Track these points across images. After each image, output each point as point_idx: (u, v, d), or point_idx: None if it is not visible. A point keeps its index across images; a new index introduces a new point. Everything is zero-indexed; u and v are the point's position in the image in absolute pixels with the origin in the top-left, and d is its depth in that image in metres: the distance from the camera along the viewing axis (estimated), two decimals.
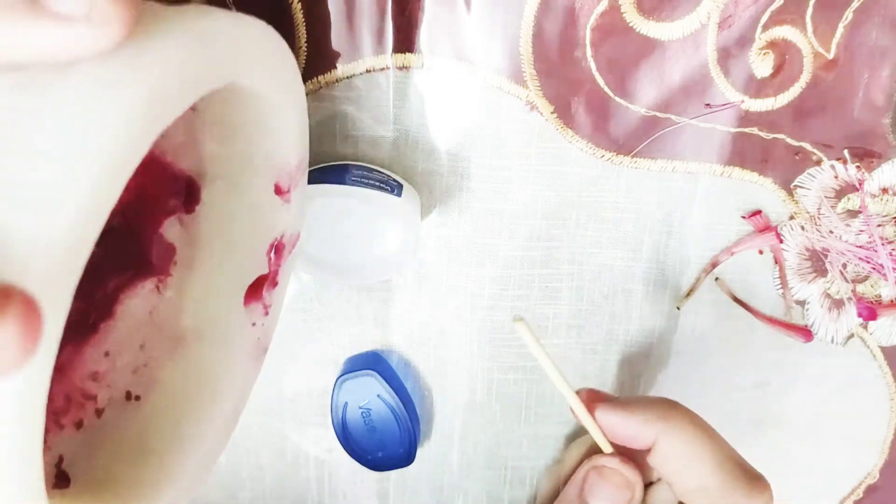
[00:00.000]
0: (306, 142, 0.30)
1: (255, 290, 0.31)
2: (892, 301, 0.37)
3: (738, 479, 0.29)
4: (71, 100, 0.15)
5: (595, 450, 0.33)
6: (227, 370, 0.30)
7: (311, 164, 0.33)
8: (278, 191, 0.29)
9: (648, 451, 0.31)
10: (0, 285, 0.13)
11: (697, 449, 0.29)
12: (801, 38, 0.33)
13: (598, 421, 0.31)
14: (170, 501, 0.26)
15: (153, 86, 0.16)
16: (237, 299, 0.31)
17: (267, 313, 0.31)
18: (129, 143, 0.16)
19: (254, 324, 0.31)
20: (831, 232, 0.36)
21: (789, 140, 0.35)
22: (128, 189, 0.26)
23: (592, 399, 0.32)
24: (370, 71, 0.33)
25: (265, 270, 0.31)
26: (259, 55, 0.23)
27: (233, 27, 0.21)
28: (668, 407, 0.30)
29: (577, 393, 0.32)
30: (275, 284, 0.31)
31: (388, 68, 0.33)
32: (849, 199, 0.35)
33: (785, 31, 0.33)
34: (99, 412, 0.27)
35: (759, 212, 0.36)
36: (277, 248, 0.31)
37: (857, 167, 0.35)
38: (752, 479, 0.29)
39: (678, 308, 0.38)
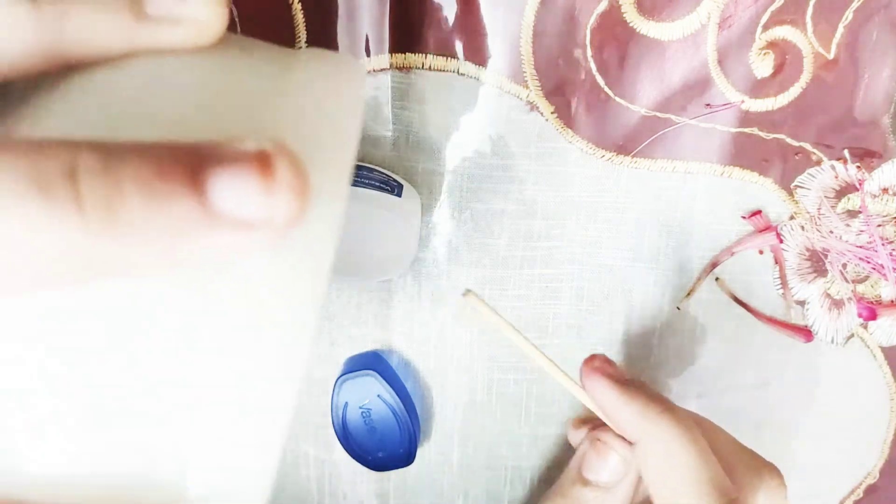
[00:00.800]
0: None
1: None
2: (892, 301, 0.37)
3: None
4: (240, 303, 0.14)
5: (599, 421, 0.32)
6: None
7: None
8: None
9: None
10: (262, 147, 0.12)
11: (676, 464, 0.28)
12: (801, 38, 0.33)
13: (593, 392, 0.31)
14: None
15: (319, 276, 0.15)
16: None
17: None
18: (302, 335, 0.15)
19: None
20: (831, 232, 0.36)
21: (789, 140, 0.35)
22: None
23: (601, 368, 0.31)
24: (371, 71, 0.33)
25: None
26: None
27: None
28: (667, 411, 0.29)
29: (591, 357, 0.31)
30: None
31: (388, 68, 0.33)
32: (849, 198, 0.35)
33: (785, 31, 0.33)
34: None
35: (759, 212, 0.36)
36: None
37: (858, 167, 0.35)
38: None
39: (678, 308, 0.38)
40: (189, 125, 0.14)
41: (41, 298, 0.13)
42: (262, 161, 0.12)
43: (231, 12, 0.32)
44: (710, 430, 0.31)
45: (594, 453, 0.31)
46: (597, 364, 0.31)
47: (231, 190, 0.12)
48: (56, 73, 0.14)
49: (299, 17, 0.32)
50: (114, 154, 0.11)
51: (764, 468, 0.30)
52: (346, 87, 0.17)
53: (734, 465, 0.30)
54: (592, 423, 0.34)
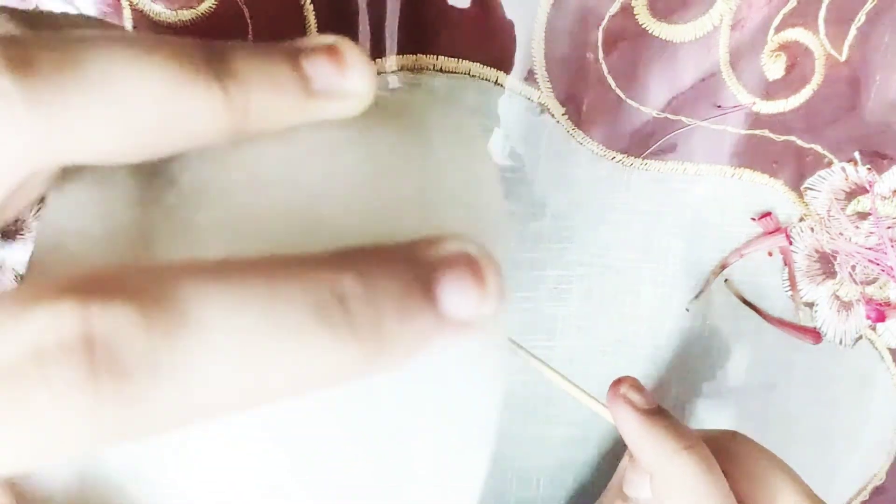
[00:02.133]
0: None
1: None
2: None
3: None
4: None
5: None
6: None
7: None
8: None
9: None
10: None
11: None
12: (813, 40, 0.33)
13: (616, 418, 0.30)
14: None
15: (504, 352, 0.16)
16: None
17: None
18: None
19: None
20: (841, 234, 0.36)
21: (800, 142, 0.35)
22: None
23: (626, 395, 0.31)
24: (381, 72, 0.33)
25: None
26: None
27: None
28: (687, 449, 0.29)
29: (619, 381, 0.31)
30: None
31: (399, 69, 0.33)
32: (859, 200, 0.35)
33: (797, 34, 0.33)
34: None
35: (768, 213, 0.36)
36: None
37: (868, 169, 0.35)
38: None
39: (687, 309, 0.38)
40: (355, 200, 0.15)
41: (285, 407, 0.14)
42: (474, 267, 0.13)
43: (243, 13, 0.31)
44: (749, 454, 0.30)
45: (634, 471, 0.31)
46: (622, 390, 0.31)
47: (457, 298, 0.13)
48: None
49: (311, 17, 0.32)
50: (370, 276, 0.13)
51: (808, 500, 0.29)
52: (480, 149, 0.19)
53: (773, 491, 0.29)
54: None
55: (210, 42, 0.14)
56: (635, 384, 0.31)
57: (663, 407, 0.31)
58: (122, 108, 0.13)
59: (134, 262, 0.14)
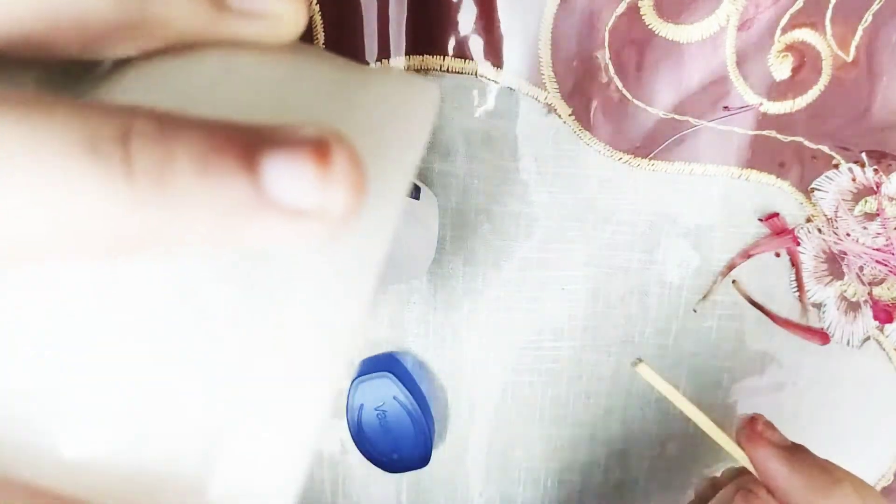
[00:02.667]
0: None
1: None
2: None
3: None
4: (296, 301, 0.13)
5: (745, 469, 0.32)
6: None
7: None
8: None
9: None
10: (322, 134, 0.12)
11: None
12: (820, 40, 0.33)
13: (755, 459, 0.30)
14: None
15: (367, 282, 0.14)
16: None
17: None
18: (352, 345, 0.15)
19: None
20: (848, 235, 0.36)
21: (807, 143, 0.35)
22: None
23: (764, 435, 0.31)
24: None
25: None
26: None
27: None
28: (838, 483, 0.29)
29: (753, 421, 0.31)
30: None
31: (406, 69, 0.33)
32: (866, 201, 0.35)
33: (804, 34, 0.33)
34: None
35: (776, 214, 0.36)
36: None
37: (875, 170, 0.35)
38: None
39: (694, 310, 0.38)
40: (257, 120, 0.14)
41: (86, 270, 0.13)
42: (320, 149, 0.11)
43: None
44: (871, 495, 0.31)
45: (742, 501, 0.31)
46: (759, 428, 0.31)
47: (285, 174, 0.11)
48: (126, 58, 0.14)
49: (317, 18, 0.32)
50: (170, 123, 0.11)
51: None
52: (419, 109, 0.17)
53: None
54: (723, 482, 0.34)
55: None
56: (768, 422, 0.31)
57: (797, 443, 0.31)
58: None
59: None
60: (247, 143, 0.11)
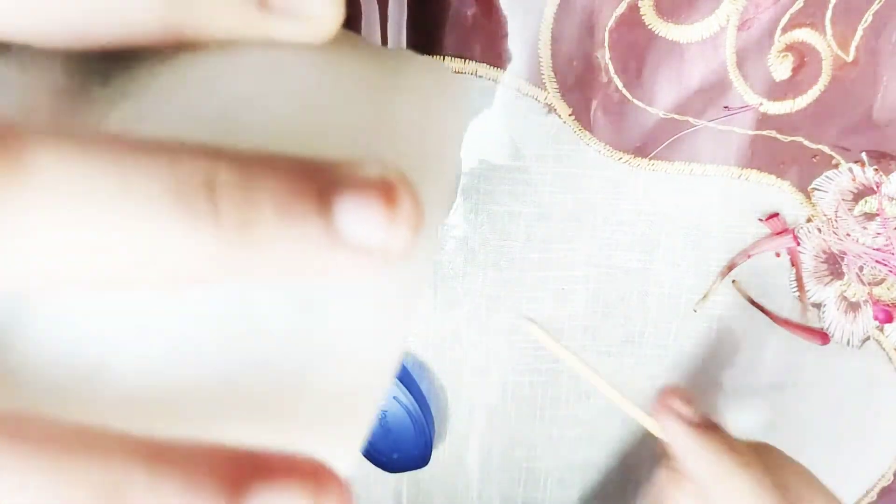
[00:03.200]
0: None
1: None
2: None
3: None
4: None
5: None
6: None
7: None
8: None
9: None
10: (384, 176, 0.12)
11: None
12: (820, 40, 0.33)
13: (667, 431, 0.30)
14: None
15: (415, 302, 0.15)
16: None
17: None
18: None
19: None
20: (848, 234, 0.36)
21: (807, 143, 0.35)
22: None
23: (678, 409, 0.30)
24: None
25: None
26: None
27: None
28: (743, 465, 0.28)
29: (669, 392, 0.31)
30: None
31: None
32: (866, 201, 0.35)
33: (804, 34, 0.33)
34: None
35: (776, 214, 0.36)
36: None
37: (875, 170, 0.35)
38: None
39: (694, 310, 0.38)
40: (298, 122, 0.14)
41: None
42: (387, 191, 0.12)
43: None
44: (781, 465, 0.31)
45: (677, 487, 0.31)
46: (671, 401, 0.31)
47: (355, 216, 0.12)
48: (165, 51, 0.14)
49: None
50: (251, 169, 0.12)
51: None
52: (453, 105, 0.17)
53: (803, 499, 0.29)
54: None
55: None
56: (685, 395, 0.31)
57: (711, 419, 0.31)
58: None
59: None
60: (321, 184, 0.12)
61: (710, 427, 0.31)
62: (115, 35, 0.13)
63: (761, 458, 0.30)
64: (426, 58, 0.18)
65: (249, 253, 0.12)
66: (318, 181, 0.12)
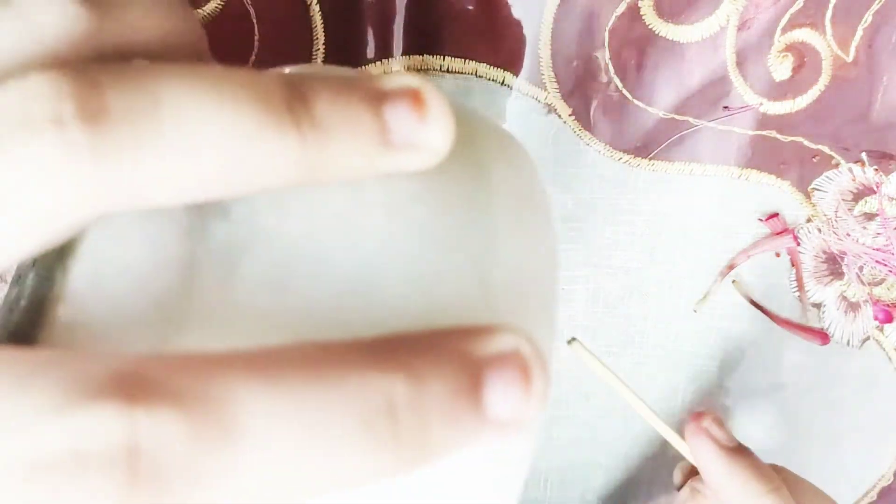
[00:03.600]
0: None
1: None
2: None
3: None
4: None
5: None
6: None
7: None
8: None
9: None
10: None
11: None
12: (820, 40, 0.33)
13: (697, 453, 0.30)
14: None
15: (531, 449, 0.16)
16: None
17: None
18: None
19: None
20: (848, 234, 0.36)
21: (807, 143, 0.35)
22: None
23: (709, 431, 0.31)
24: (388, 72, 0.33)
25: None
26: None
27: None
28: (774, 491, 0.29)
29: (700, 415, 0.31)
30: None
31: (406, 69, 0.33)
32: (866, 201, 0.35)
33: (804, 34, 0.33)
34: None
35: (776, 214, 0.36)
36: None
37: (875, 170, 0.35)
38: None
39: (694, 311, 0.38)
40: (420, 256, 0.15)
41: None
42: (524, 369, 0.13)
43: (249, 14, 0.31)
44: (797, 487, 0.31)
45: (689, 499, 0.31)
46: (705, 424, 0.31)
47: (503, 399, 0.13)
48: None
49: (317, 18, 0.32)
50: (420, 379, 0.12)
51: None
52: (544, 205, 0.18)
53: None
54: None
55: (289, 76, 0.13)
56: (717, 419, 0.31)
57: (742, 444, 0.31)
58: (195, 157, 0.12)
59: (173, 301, 0.13)
60: (472, 376, 0.13)
61: (741, 451, 0.31)
62: (251, 186, 0.13)
63: (799, 485, 0.30)
64: (505, 137, 0.18)
65: (424, 462, 0.12)
66: (468, 371, 0.13)
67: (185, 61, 0.15)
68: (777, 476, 0.30)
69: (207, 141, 0.12)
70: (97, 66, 0.12)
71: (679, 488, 0.35)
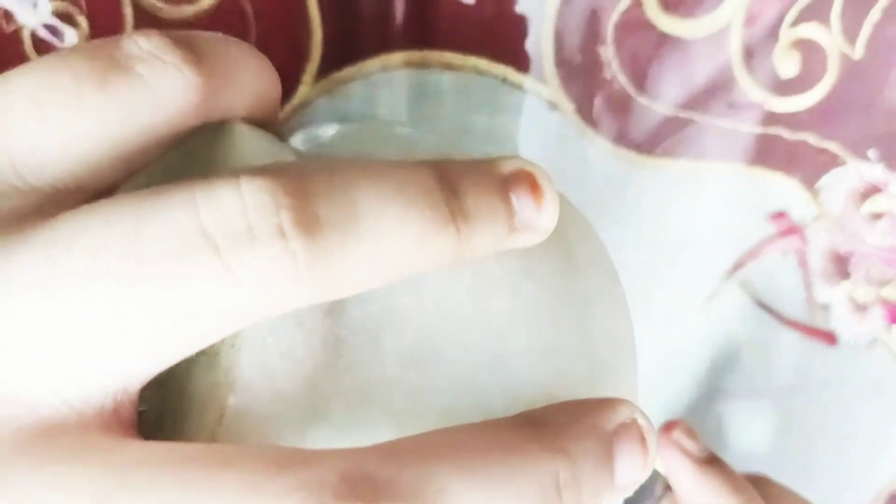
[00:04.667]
0: None
1: None
2: None
3: None
4: None
5: None
6: None
7: None
8: None
9: None
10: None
11: None
12: (827, 37, 0.32)
13: (668, 465, 0.30)
14: None
15: None
16: None
17: None
18: None
19: None
20: (856, 234, 0.35)
21: (814, 140, 0.34)
22: None
23: (680, 443, 0.30)
24: (387, 68, 0.33)
25: None
26: None
27: None
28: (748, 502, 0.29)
29: (671, 425, 0.31)
30: None
31: (405, 65, 0.33)
32: (874, 200, 0.35)
33: (811, 30, 0.32)
34: None
35: (783, 213, 0.35)
36: None
37: (884, 168, 0.34)
38: None
39: (699, 311, 0.37)
40: (538, 334, 0.16)
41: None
42: (642, 439, 0.15)
43: (245, 9, 0.31)
44: (780, 499, 0.31)
45: None
46: (675, 435, 0.30)
47: (629, 468, 0.15)
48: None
49: (314, 13, 0.32)
50: (576, 459, 0.14)
51: None
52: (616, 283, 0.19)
53: None
54: None
55: (437, 166, 0.14)
56: (688, 429, 0.31)
57: (715, 454, 0.31)
58: (386, 258, 0.13)
59: (324, 381, 0.14)
60: (607, 450, 0.15)
61: (713, 462, 0.30)
62: (409, 274, 0.14)
63: (762, 493, 0.29)
64: (574, 213, 0.19)
65: None
66: (603, 446, 0.14)
67: (270, 116, 0.17)
68: (751, 488, 0.29)
69: (390, 250, 0.13)
70: (295, 168, 0.13)
71: (659, 500, 0.34)
